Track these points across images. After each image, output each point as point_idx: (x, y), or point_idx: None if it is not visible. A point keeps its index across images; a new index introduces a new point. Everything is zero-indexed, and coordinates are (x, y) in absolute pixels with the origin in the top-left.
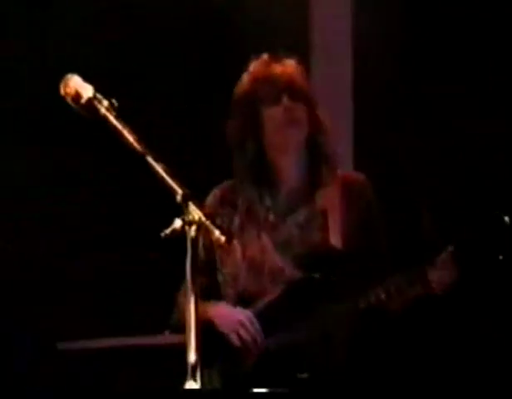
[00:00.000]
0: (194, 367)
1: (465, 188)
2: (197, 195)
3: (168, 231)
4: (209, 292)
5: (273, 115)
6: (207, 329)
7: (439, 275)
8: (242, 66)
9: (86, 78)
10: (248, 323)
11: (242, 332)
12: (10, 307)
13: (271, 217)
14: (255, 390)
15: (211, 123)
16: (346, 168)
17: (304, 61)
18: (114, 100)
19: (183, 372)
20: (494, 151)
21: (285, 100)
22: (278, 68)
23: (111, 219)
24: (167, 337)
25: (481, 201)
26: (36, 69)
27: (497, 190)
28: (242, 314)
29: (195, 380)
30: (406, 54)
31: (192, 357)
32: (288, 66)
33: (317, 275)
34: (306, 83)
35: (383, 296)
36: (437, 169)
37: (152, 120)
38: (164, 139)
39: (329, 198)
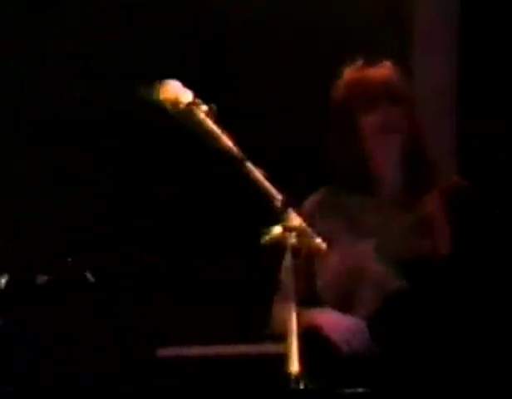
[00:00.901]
0: (296, 377)
1: None
2: (296, 202)
3: (268, 237)
4: (307, 300)
5: (371, 122)
6: (311, 336)
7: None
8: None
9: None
10: (359, 333)
11: (353, 341)
12: (10, 307)
13: (372, 223)
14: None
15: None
16: (450, 170)
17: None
18: (213, 105)
19: (284, 383)
20: (494, 151)
21: (383, 105)
22: (373, 72)
23: (111, 219)
24: (266, 347)
25: (481, 201)
26: (36, 69)
27: (497, 190)
28: (353, 322)
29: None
30: None
31: (294, 366)
32: (384, 69)
33: (424, 287)
34: (403, 85)
35: None
36: None
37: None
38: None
39: (434, 206)
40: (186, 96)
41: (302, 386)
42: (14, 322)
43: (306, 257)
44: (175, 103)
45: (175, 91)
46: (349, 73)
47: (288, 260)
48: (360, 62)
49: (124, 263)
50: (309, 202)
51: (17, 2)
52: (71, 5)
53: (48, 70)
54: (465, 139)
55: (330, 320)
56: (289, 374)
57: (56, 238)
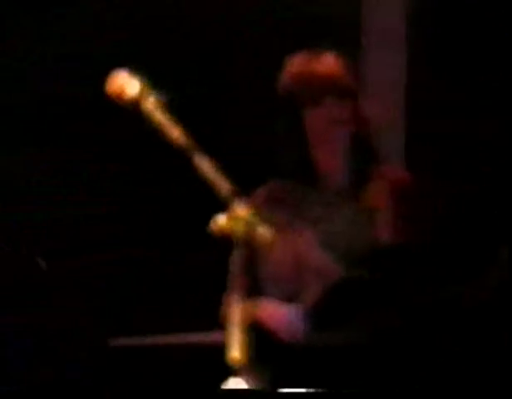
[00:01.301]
0: (236, 364)
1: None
2: (243, 192)
3: (213, 227)
4: (250, 291)
5: (315, 116)
6: (257, 328)
7: None
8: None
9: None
10: (297, 320)
11: (292, 329)
12: (10, 307)
13: (316, 213)
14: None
15: (211, 123)
16: (397, 160)
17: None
18: (161, 95)
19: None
20: (495, 151)
21: (328, 100)
22: (319, 66)
23: (111, 219)
24: (213, 335)
25: (481, 201)
26: (37, 69)
27: (497, 190)
28: (290, 310)
29: (238, 376)
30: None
31: (234, 352)
32: (330, 63)
33: (367, 274)
34: (349, 79)
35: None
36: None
37: None
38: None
39: (377, 195)
40: (132, 87)
41: (242, 378)
42: (14, 322)
43: (251, 247)
44: (121, 95)
45: (121, 83)
46: (295, 65)
47: (234, 251)
48: (305, 53)
49: (124, 263)
50: (255, 195)
51: (17, 2)
52: (71, 5)
53: (48, 70)
54: (413, 137)
55: (267, 310)
56: (229, 363)
57: (56, 239)
